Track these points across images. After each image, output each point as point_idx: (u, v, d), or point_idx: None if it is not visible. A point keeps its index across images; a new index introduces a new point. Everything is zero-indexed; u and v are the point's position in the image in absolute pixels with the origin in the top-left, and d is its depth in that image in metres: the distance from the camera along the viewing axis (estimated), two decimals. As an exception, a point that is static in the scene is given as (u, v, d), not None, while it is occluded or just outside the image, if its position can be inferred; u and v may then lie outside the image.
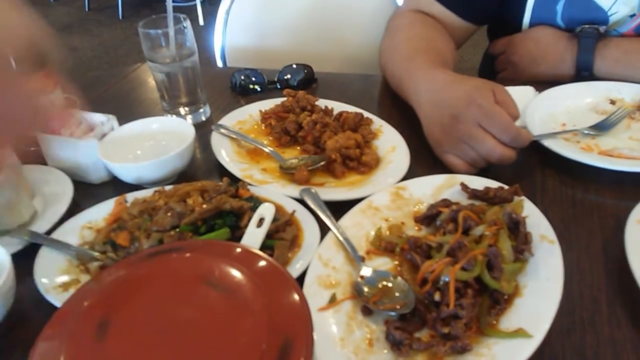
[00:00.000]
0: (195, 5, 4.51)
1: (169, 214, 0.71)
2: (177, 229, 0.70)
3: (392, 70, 1.05)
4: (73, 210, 0.80)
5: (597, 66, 1.01)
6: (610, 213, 0.75)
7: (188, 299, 0.46)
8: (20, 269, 0.67)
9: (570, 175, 0.83)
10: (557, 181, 0.82)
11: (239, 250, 0.50)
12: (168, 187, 0.80)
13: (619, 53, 1.00)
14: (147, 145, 0.92)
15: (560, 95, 0.98)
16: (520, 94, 0.98)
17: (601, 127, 0.89)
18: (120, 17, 4.74)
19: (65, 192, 0.83)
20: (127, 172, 0.85)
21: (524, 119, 0.90)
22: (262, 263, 0.48)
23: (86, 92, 1.07)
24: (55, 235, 0.75)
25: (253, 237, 0.67)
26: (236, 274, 0.47)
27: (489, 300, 0.61)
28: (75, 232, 0.76)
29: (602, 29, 1.01)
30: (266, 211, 0.71)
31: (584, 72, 1.02)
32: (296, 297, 0.45)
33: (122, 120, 0.93)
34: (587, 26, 1.01)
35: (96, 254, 0.71)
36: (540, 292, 0.60)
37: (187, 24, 0.96)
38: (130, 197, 0.80)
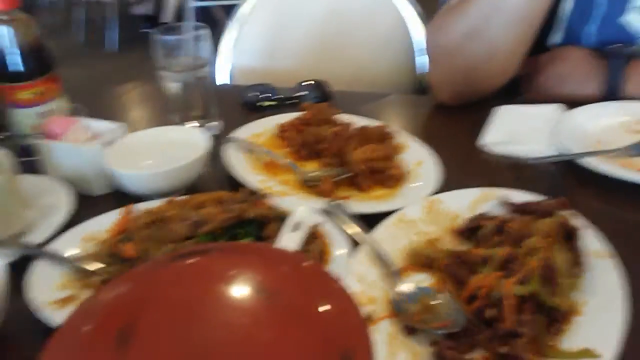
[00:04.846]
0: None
1: (184, 222, 0.63)
2: (194, 239, 0.63)
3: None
4: (72, 222, 0.73)
5: (626, 87, 0.97)
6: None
7: (225, 305, 0.39)
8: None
9: (610, 193, 0.78)
10: (596, 200, 0.78)
11: (277, 251, 0.43)
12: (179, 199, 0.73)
13: None
14: (155, 155, 0.84)
15: (592, 113, 0.94)
16: (548, 112, 0.95)
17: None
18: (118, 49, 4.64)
19: (65, 202, 0.76)
20: (135, 181, 0.78)
21: (556, 138, 0.86)
22: (306, 265, 0.41)
23: (92, 103, 1.01)
24: (52, 247, 0.67)
25: (289, 241, 0.59)
26: (279, 277, 0.40)
27: (545, 318, 0.54)
28: (74, 244, 0.68)
29: (630, 50, 0.98)
30: (303, 215, 0.63)
31: (612, 93, 0.98)
32: (350, 304, 0.38)
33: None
34: (616, 46, 0.98)
35: (99, 266, 0.63)
36: (602, 309, 0.55)
37: (207, 31, 0.92)
38: (137, 208, 0.73)
